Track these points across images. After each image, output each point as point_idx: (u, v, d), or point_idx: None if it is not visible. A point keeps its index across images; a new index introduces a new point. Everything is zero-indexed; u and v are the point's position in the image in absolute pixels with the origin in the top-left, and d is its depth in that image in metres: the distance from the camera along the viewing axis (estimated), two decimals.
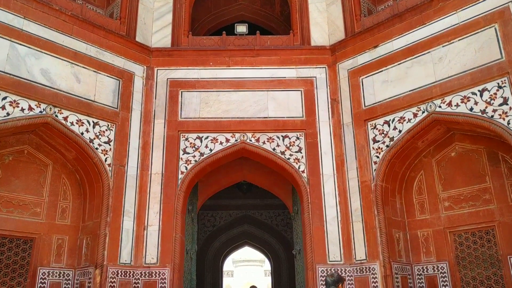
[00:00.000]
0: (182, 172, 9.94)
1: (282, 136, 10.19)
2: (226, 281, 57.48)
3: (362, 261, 9.12)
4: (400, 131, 9.24)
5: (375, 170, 9.43)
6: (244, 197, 18.94)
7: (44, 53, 8.93)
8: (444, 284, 8.93)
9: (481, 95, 8.28)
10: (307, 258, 9.45)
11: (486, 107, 8.17)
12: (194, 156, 10.06)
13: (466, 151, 9.25)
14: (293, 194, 11.25)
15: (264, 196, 18.31)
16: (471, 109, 8.36)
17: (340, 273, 6.23)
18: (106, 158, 9.38)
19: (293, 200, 11.34)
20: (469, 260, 8.83)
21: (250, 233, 20.46)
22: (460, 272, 8.89)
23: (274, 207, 19.15)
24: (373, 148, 9.55)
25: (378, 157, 9.46)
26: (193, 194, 11.13)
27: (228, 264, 56.61)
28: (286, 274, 19.79)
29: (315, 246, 9.38)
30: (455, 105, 8.59)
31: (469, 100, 8.42)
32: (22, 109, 8.35)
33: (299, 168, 10.00)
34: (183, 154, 10.07)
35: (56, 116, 8.82)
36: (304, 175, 9.95)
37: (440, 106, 8.78)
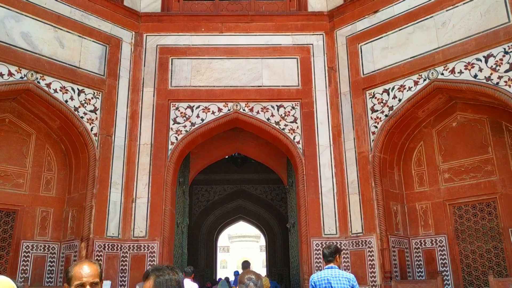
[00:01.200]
0: (172, 143, 9.53)
1: (276, 105, 9.76)
2: (222, 256, 58.06)
3: (358, 235, 8.83)
4: (400, 100, 8.83)
5: (373, 140, 9.05)
6: (239, 172, 18.67)
7: (25, 15, 8.38)
8: (442, 257, 8.67)
9: (486, 61, 7.85)
10: (302, 232, 9.15)
11: (491, 74, 7.75)
12: (185, 126, 9.64)
13: (468, 121, 8.88)
14: (288, 166, 10.90)
15: (259, 171, 18.05)
16: (475, 76, 7.94)
17: (336, 245, 6.08)
18: (92, 128, 8.96)
19: (287, 173, 10.99)
20: (469, 233, 8.56)
21: (245, 208, 20.26)
22: (459, 245, 8.62)
23: (269, 182, 18.89)
24: (371, 118, 9.15)
25: (376, 127, 9.07)
26: (184, 166, 10.76)
27: (224, 240, 57.02)
28: (280, 249, 19.67)
29: (310, 219, 9.07)
30: (458, 72, 8.16)
31: (473, 67, 7.99)
32: (1, 74, 7.87)
33: (294, 138, 9.61)
34: (173, 124, 9.65)
35: (38, 82, 8.34)
36: (299, 146, 9.57)
37: (442, 74, 8.35)
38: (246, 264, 10.88)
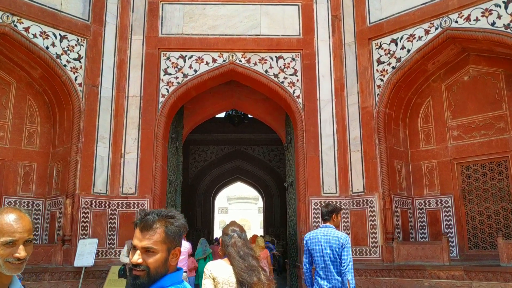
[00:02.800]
0: (163, 95, 8.92)
1: (275, 56, 9.08)
2: (220, 217, 58.47)
3: (359, 194, 8.36)
4: (408, 51, 8.16)
5: (378, 95, 8.44)
6: (236, 132, 18.10)
7: None
8: (448, 219, 8.24)
9: (505, 7, 7.14)
10: (300, 190, 8.68)
11: (511, 21, 7.06)
12: (176, 78, 9.00)
13: (481, 75, 8.24)
14: (287, 124, 10.33)
15: (257, 131, 17.49)
16: (492, 24, 7.25)
17: (336, 204, 5.68)
18: (76, 77, 8.32)
19: (286, 130, 10.43)
20: (477, 194, 8.09)
21: (242, 168, 19.83)
22: (466, 206, 8.17)
23: (267, 143, 18.37)
24: (377, 70, 8.50)
25: (382, 80, 8.44)
26: (177, 121, 10.19)
27: (223, 201, 57.28)
28: (278, 210, 19.39)
29: (309, 177, 8.58)
30: (474, 20, 7.46)
31: (491, 13, 7.28)
32: None
33: (293, 92, 8.99)
34: (164, 75, 9.00)
35: (15, 26, 7.64)
36: (299, 100, 8.96)
37: (456, 21, 7.64)
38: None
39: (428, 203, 8.47)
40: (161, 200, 8.59)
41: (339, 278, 3.79)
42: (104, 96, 8.61)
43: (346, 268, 3.76)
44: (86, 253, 7.62)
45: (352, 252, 8.21)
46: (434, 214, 8.37)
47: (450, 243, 7.85)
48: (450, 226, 8.18)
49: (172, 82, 8.97)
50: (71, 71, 8.24)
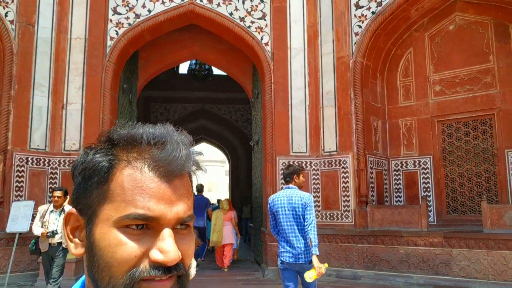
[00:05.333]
0: (111, 38, 7.75)
1: None
2: None
3: (331, 153, 7.60)
4: None
5: (355, 43, 7.56)
6: (201, 90, 17.02)
7: None
8: (425, 181, 7.62)
9: None
10: (266, 149, 7.84)
11: None
12: (127, 18, 7.83)
13: (468, 24, 7.46)
14: (254, 76, 9.35)
15: (223, 89, 16.48)
16: None
17: (298, 164, 4.95)
18: (6, 13, 7.06)
19: (253, 83, 9.46)
20: (458, 155, 7.46)
21: (207, 128, 18.84)
22: (446, 168, 7.55)
23: (234, 102, 17.36)
24: (355, 15, 7.58)
25: (360, 27, 7.54)
26: (130, 71, 9.05)
27: None
28: (244, 172, 18.63)
29: (277, 135, 7.73)
30: None
31: None
32: None
33: (261, 39, 8.00)
34: (113, 14, 7.81)
35: None
36: (268, 48, 7.99)
37: None
38: (199, 187, 9.83)
39: (405, 164, 7.82)
40: None
41: (303, 240, 3.75)
42: (42, 37, 7.39)
43: (308, 227, 3.72)
44: (20, 217, 6.60)
45: (323, 216, 7.56)
46: (411, 176, 7.74)
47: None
48: (428, 189, 7.57)
49: (122, 23, 7.80)
50: (0, 5, 6.95)
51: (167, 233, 0.57)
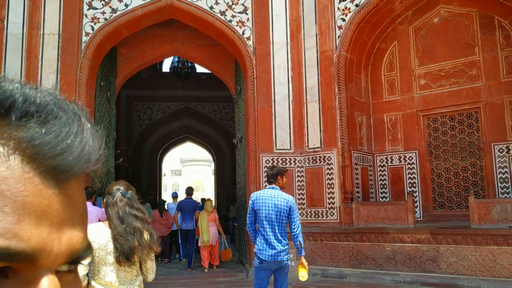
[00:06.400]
0: (87, 34, 7.46)
1: None
2: (174, 179, 57.31)
3: (316, 150, 7.41)
4: None
5: (339, 37, 7.39)
6: (185, 88, 16.77)
7: None
8: (411, 176, 7.48)
9: None
10: (250, 146, 7.63)
11: None
12: (103, 13, 7.54)
13: (453, 16, 7.34)
14: (237, 72, 9.13)
15: (207, 87, 16.26)
16: None
17: (281, 166, 4.81)
18: None
19: (236, 80, 9.23)
20: (444, 149, 7.34)
21: (192, 127, 18.54)
22: (432, 162, 7.42)
23: (219, 100, 17.10)
24: (338, 8, 7.41)
25: (344, 20, 7.37)
26: (108, 68, 8.76)
27: (176, 164, 56.02)
28: (229, 171, 18.39)
29: (260, 131, 7.52)
30: None
31: None
32: None
33: (243, 34, 7.78)
34: (88, 9, 7.52)
35: None
36: (250, 43, 7.78)
37: None
38: (189, 190, 9.58)
39: (390, 160, 7.67)
40: None
41: (282, 239, 3.78)
42: (13, 33, 7.07)
43: (296, 230, 3.78)
44: None
45: (308, 214, 7.37)
46: (397, 172, 7.60)
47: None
48: (414, 185, 7.44)
49: (98, 18, 7.51)
50: None
51: (48, 284, 0.32)
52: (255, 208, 3.84)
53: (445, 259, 6.01)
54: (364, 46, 7.67)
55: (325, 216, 7.18)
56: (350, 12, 7.29)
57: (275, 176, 3.89)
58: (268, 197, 3.82)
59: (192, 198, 9.48)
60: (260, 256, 3.75)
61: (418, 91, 7.51)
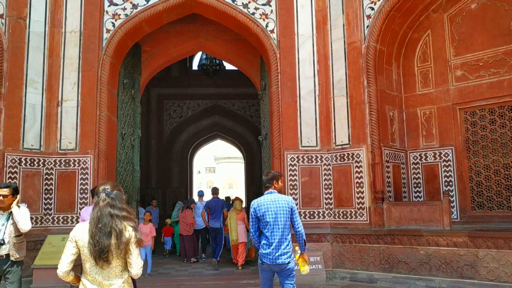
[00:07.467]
0: (108, 31, 7.35)
1: None
2: (208, 176, 57.76)
3: (344, 146, 7.04)
4: None
5: (367, 27, 6.98)
6: (214, 86, 16.70)
7: None
8: (447, 174, 6.99)
9: None
10: (274, 143, 7.33)
11: None
12: (124, 9, 7.42)
13: (492, 1, 6.79)
14: (262, 67, 8.83)
15: (236, 84, 16.09)
16: None
17: (275, 171, 4.58)
18: None
19: (261, 75, 8.94)
20: (483, 145, 6.80)
21: (222, 124, 18.39)
22: (470, 159, 6.90)
23: (248, 97, 16.88)
24: None
25: (373, 9, 6.95)
26: (132, 65, 8.66)
27: (211, 161, 56.44)
28: (259, 168, 18.13)
29: (284, 128, 7.21)
30: None
31: None
32: None
33: (266, 26, 7.48)
34: (109, 5, 7.41)
35: None
36: (274, 36, 7.47)
37: None
38: (215, 190, 9.76)
39: (424, 157, 7.20)
40: (107, 157, 7.18)
41: (285, 242, 3.87)
42: (34, 31, 7.03)
43: (301, 229, 3.93)
44: None
45: (335, 215, 7.02)
46: (432, 170, 7.12)
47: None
48: (450, 183, 6.94)
49: (119, 15, 7.39)
50: None
51: None
52: (258, 215, 3.94)
53: (484, 265, 5.53)
54: (395, 36, 7.22)
55: (354, 217, 6.80)
56: (379, 0, 6.87)
57: (270, 181, 4.06)
58: (269, 202, 3.93)
59: (218, 197, 9.55)
60: (263, 259, 3.88)
61: (454, 83, 7.00)
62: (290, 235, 3.91)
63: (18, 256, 4.02)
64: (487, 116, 6.77)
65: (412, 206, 6.41)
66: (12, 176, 6.56)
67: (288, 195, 6.90)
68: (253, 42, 7.99)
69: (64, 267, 2.44)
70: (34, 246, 6.59)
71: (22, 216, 3.99)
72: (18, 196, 4.13)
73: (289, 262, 3.83)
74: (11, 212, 4.00)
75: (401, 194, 7.12)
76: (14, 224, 3.97)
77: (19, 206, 4.05)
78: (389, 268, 6.34)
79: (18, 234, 4.03)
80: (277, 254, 3.80)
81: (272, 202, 3.91)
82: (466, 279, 5.65)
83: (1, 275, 4.01)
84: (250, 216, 4.05)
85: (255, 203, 4.02)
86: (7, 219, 4.00)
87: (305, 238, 3.97)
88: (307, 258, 4.03)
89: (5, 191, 3.99)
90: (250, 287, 6.52)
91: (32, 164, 6.80)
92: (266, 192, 4.04)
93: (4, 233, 3.94)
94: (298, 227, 3.91)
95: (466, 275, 5.66)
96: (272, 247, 3.81)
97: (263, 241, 3.91)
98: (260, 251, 3.96)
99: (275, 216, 3.85)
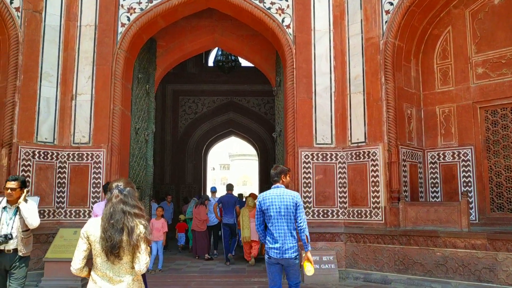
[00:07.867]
0: (123, 24, 7.33)
1: None
2: (222, 173, 57.83)
3: (359, 144, 6.90)
4: None
5: (386, 22, 6.82)
6: (229, 82, 16.64)
7: None
8: (466, 175, 6.80)
9: None
10: (288, 140, 7.22)
11: None
12: (139, 3, 7.38)
13: None
14: (277, 63, 8.73)
15: (251, 81, 16.00)
16: None
17: (284, 166, 4.50)
18: (12, 0, 6.73)
19: (276, 71, 8.84)
20: (504, 145, 6.60)
21: (236, 121, 18.33)
22: (490, 159, 6.70)
23: (263, 94, 16.78)
24: None
25: (392, 4, 6.79)
26: (147, 60, 8.62)
27: (225, 158, 56.51)
28: (272, 165, 18.07)
29: (299, 125, 7.10)
30: None
31: None
32: None
33: (282, 21, 7.37)
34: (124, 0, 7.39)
35: None
36: (290, 31, 7.35)
37: None
38: (230, 186, 9.79)
39: (442, 156, 7.02)
40: (121, 151, 7.16)
41: (290, 237, 3.90)
42: (50, 25, 7.04)
43: (303, 225, 3.92)
44: None
45: (349, 214, 6.89)
46: (450, 169, 6.93)
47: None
48: (469, 184, 6.75)
49: (134, 8, 7.36)
50: None
51: None
52: (263, 208, 3.97)
53: (504, 268, 5.35)
54: (414, 32, 7.04)
55: (368, 216, 6.66)
56: None
57: (278, 175, 4.06)
58: (275, 196, 3.95)
59: (232, 194, 9.56)
60: (270, 254, 3.88)
61: (475, 80, 6.80)
62: (295, 231, 3.92)
63: (25, 251, 3.98)
64: (509, 115, 6.56)
65: (429, 207, 6.24)
66: (26, 169, 6.57)
67: (301, 193, 6.80)
68: (269, 37, 7.88)
69: (77, 264, 2.49)
70: (46, 239, 6.61)
71: (30, 212, 3.94)
72: (26, 190, 4.05)
73: (296, 258, 3.83)
74: (18, 206, 3.94)
75: (418, 194, 6.95)
76: (22, 218, 3.92)
77: (26, 201, 3.99)
78: (404, 269, 6.19)
79: (26, 229, 3.98)
80: (283, 248, 3.81)
81: (278, 196, 3.93)
82: (484, 282, 5.48)
83: (7, 270, 3.96)
84: (256, 209, 4.07)
85: (260, 196, 4.07)
86: (15, 213, 3.94)
87: (307, 235, 3.91)
88: (311, 257, 3.93)
89: (13, 184, 3.94)
90: (260, 285, 6.43)
91: (45, 157, 6.81)
92: (273, 186, 4.06)
93: (12, 227, 3.90)
94: (300, 223, 3.90)
95: (484, 278, 5.49)
96: (278, 242, 3.82)
97: (268, 236, 3.94)
98: (266, 245, 3.97)
99: (279, 211, 3.88)
